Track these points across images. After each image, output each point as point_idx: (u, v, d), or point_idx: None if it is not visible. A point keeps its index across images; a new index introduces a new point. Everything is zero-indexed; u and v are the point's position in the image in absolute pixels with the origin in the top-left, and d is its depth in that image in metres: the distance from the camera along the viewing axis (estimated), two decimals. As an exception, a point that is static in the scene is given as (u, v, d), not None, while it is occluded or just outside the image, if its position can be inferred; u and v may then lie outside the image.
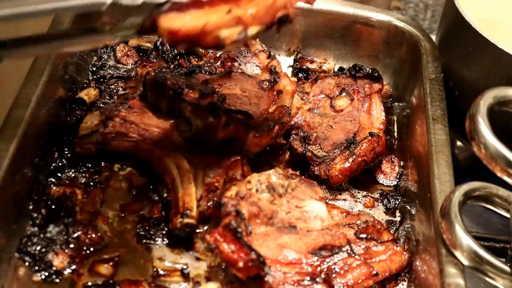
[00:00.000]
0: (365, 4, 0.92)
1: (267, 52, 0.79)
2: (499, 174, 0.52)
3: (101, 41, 0.60)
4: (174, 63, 0.86)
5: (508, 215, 0.59)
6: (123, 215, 0.66)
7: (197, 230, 0.65)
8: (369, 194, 0.73)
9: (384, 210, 0.71)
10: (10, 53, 0.52)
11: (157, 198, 0.69)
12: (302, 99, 0.80)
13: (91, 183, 0.69)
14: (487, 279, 0.56)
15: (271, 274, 0.58)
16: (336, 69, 0.87)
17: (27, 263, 0.60)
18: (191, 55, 0.87)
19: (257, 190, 0.65)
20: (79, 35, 0.56)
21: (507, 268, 0.54)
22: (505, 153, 0.51)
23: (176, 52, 0.87)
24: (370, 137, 0.72)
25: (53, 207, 0.66)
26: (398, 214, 0.72)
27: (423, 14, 0.96)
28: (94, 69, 0.86)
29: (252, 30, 0.56)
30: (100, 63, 0.86)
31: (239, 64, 0.79)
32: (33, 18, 0.50)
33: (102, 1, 0.53)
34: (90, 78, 0.85)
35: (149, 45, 0.88)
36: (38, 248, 0.62)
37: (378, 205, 0.72)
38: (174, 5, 0.54)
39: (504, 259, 0.59)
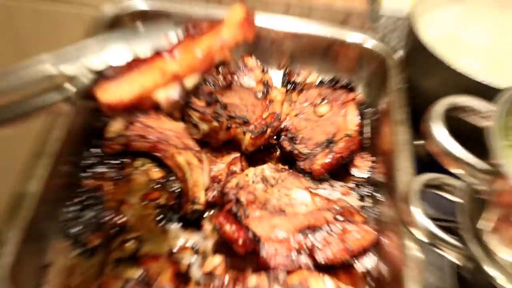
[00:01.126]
0: (344, 25, 1.01)
1: (261, 68, 0.87)
2: (448, 167, 0.60)
3: (52, 106, 0.54)
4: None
5: (456, 200, 0.66)
6: (144, 203, 0.74)
7: (204, 215, 0.73)
8: (345, 184, 0.80)
9: (357, 197, 0.78)
10: None
11: (171, 189, 0.76)
12: (290, 106, 0.87)
13: (117, 177, 0.77)
14: (441, 252, 0.63)
15: (265, 250, 0.66)
16: (318, 82, 0.93)
17: (68, 242, 0.68)
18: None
19: (253, 181, 0.73)
20: (37, 98, 0.52)
21: (458, 244, 0.61)
22: (452, 150, 0.59)
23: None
24: (346, 137, 0.79)
25: (86, 196, 0.73)
26: (368, 200, 0.79)
27: (392, 34, 1.01)
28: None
29: (190, 81, 0.55)
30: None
31: (238, 78, 0.85)
32: None
33: (45, 70, 0.51)
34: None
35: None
36: (76, 229, 0.69)
37: (352, 193, 0.79)
38: (109, 68, 0.53)
39: (457, 237, 0.64)
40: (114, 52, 0.54)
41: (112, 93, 0.51)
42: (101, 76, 0.52)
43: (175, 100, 0.55)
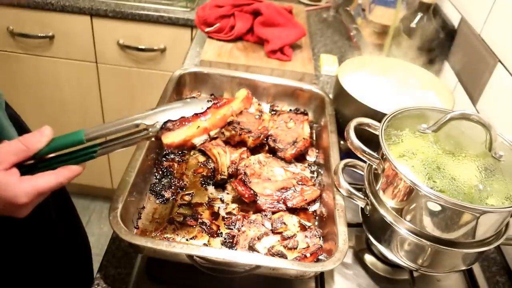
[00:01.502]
0: (301, 80, 1.24)
1: (258, 103, 1.04)
2: (358, 155, 0.73)
3: (140, 140, 0.63)
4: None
5: (362, 173, 0.78)
6: (194, 174, 0.89)
7: (227, 181, 0.88)
8: (303, 164, 0.95)
9: (309, 171, 0.94)
10: (100, 152, 0.59)
11: (209, 167, 0.91)
12: (273, 123, 1.02)
13: (180, 160, 0.92)
14: (355, 201, 0.76)
15: (260, 200, 0.82)
16: (288, 110, 1.08)
17: (153, 195, 0.83)
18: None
19: (253, 163, 0.89)
20: (132, 135, 0.63)
21: (363, 197, 0.75)
22: (360, 146, 0.73)
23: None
24: (303, 140, 0.95)
25: (164, 171, 0.88)
26: (315, 173, 0.93)
27: (327, 85, 1.21)
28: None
29: (212, 132, 0.68)
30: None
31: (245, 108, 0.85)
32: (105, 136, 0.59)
33: (136, 123, 0.61)
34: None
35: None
36: (158, 189, 0.84)
37: (306, 169, 0.94)
38: (169, 122, 0.63)
39: (363, 193, 0.76)
40: (174, 113, 0.64)
41: (169, 138, 0.63)
42: (164, 127, 0.63)
43: (203, 143, 0.67)
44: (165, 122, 0.63)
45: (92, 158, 0.58)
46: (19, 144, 0.54)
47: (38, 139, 0.55)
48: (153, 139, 0.63)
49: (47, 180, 0.54)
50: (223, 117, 0.68)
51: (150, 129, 0.63)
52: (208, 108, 0.66)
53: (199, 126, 0.65)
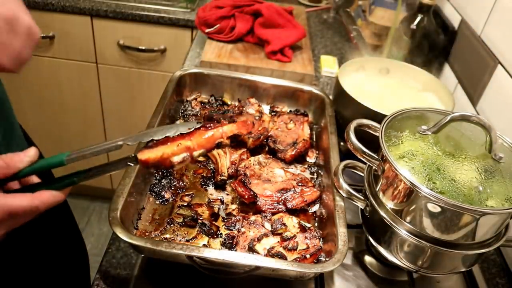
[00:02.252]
0: (301, 81, 1.21)
1: (258, 103, 1.04)
2: (358, 156, 0.72)
3: (119, 168, 0.59)
4: (216, 108, 1.04)
5: (362, 174, 0.77)
6: (194, 175, 0.89)
7: (227, 182, 0.88)
8: (303, 165, 0.95)
9: (309, 172, 0.94)
10: (80, 179, 0.56)
11: (209, 167, 0.91)
12: (273, 124, 1.02)
13: None
14: (355, 203, 0.74)
15: (259, 201, 0.81)
16: (288, 111, 1.09)
17: (153, 196, 0.83)
18: (224, 104, 1.08)
19: (253, 164, 0.89)
20: (116, 163, 0.59)
21: (363, 198, 0.74)
22: (361, 147, 0.72)
23: (218, 103, 1.08)
24: (303, 141, 0.95)
25: (163, 171, 0.87)
26: (315, 174, 0.93)
27: (327, 86, 1.21)
28: (182, 110, 1.04)
29: (196, 153, 0.62)
30: (184, 108, 1.07)
31: (246, 109, 1.01)
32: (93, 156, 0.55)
33: (118, 144, 0.57)
34: (180, 114, 1.04)
35: (206, 100, 1.09)
36: (158, 189, 0.84)
37: (306, 170, 0.95)
38: (152, 142, 0.60)
39: (363, 194, 0.76)
40: (159, 134, 0.61)
41: (145, 154, 0.60)
42: (145, 146, 0.61)
43: (182, 161, 0.61)
44: (148, 142, 0.60)
45: (74, 184, 0.56)
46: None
47: (20, 158, 0.52)
48: (134, 163, 0.59)
49: (21, 200, 0.50)
50: (210, 137, 0.64)
51: (133, 154, 0.60)
52: (197, 129, 0.63)
53: (180, 144, 0.61)
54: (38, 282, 0.90)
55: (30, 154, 0.53)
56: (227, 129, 0.64)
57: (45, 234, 0.91)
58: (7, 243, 0.77)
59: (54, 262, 0.94)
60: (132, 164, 0.59)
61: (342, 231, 0.70)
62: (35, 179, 0.56)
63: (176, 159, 0.60)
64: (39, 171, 0.55)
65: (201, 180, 0.88)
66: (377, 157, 0.71)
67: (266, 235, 0.74)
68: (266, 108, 1.09)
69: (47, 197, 0.52)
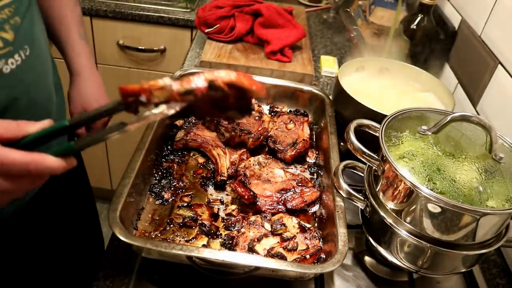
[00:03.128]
0: (301, 81, 1.22)
1: (258, 104, 1.05)
2: (358, 156, 0.73)
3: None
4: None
5: (362, 175, 0.77)
6: (194, 175, 0.89)
7: (227, 182, 0.88)
8: (302, 166, 0.96)
9: (309, 173, 0.94)
10: (78, 145, 0.52)
11: (209, 168, 0.92)
12: (273, 124, 1.03)
13: (180, 161, 0.92)
14: (355, 203, 0.75)
15: (259, 201, 0.82)
16: (288, 111, 1.09)
17: (152, 196, 0.82)
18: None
19: (253, 164, 0.89)
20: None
21: (363, 198, 0.74)
22: (361, 147, 0.72)
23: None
24: (303, 141, 0.95)
25: (163, 172, 0.88)
26: (315, 175, 0.93)
27: (327, 86, 1.21)
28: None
29: (176, 86, 0.51)
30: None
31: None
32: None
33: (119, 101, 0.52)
34: (179, 116, 0.92)
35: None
36: (157, 190, 0.84)
37: (306, 171, 0.95)
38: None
39: (363, 194, 0.75)
40: None
41: (127, 86, 0.51)
42: None
43: (163, 89, 0.51)
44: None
45: (74, 151, 0.53)
46: (12, 121, 0.51)
47: (32, 124, 0.52)
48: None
49: (14, 153, 0.48)
50: (191, 78, 0.52)
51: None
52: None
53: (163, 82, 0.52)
54: (55, 260, 0.94)
55: (44, 122, 0.53)
56: (224, 74, 0.52)
57: (67, 217, 0.95)
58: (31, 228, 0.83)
59: (71, 244, 0.98)
60: (126, 124, 0.54)
61: (342, 232, 0.70)
62: None
63: (156, 85, 0.52)
64: (44, 137, 0.53)
65: (200, 180, 0.88)
66: (377, 157, 0.71)
67: (266, 235, 0.74)
68: (266, 108, 1.09)
69: (38, 157, 0.49)
